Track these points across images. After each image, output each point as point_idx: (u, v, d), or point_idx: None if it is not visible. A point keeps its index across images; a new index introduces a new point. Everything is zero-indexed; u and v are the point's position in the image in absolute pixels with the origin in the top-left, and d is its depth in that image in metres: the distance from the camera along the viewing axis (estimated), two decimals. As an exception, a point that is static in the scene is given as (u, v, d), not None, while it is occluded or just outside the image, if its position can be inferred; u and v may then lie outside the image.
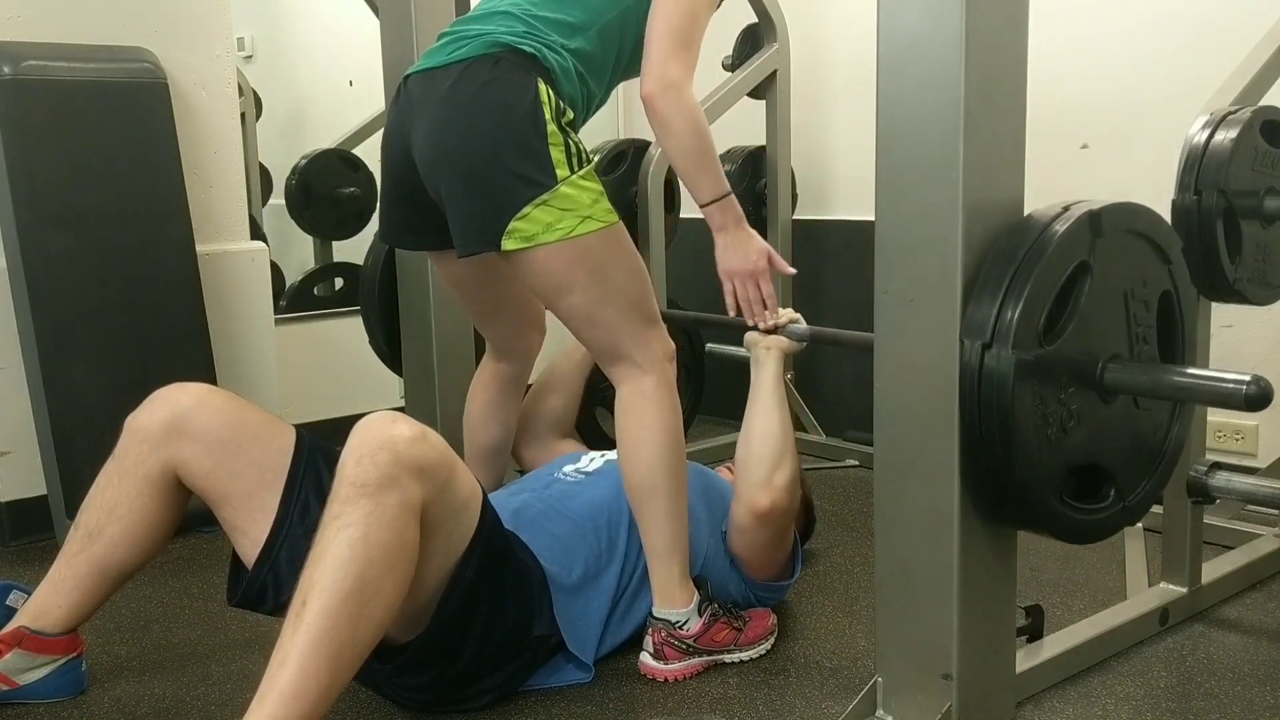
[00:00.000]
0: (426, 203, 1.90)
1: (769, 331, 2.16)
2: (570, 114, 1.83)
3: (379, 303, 2.82)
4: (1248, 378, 1.46)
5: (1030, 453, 1.50)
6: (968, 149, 1.49)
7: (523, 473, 2.34)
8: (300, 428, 1.83)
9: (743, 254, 1.97)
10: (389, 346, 2.85)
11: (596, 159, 1.86)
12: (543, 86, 1.79)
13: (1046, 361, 1.51)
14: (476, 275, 2.10)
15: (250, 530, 1.74)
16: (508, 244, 1.78)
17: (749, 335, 2.20)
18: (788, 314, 2.18)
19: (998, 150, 1.54)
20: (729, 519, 2.05)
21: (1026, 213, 1.58)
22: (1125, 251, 1.60)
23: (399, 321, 2.75)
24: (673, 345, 1.95)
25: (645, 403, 1.89)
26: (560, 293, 1.86)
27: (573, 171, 1.78)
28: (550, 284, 1.85)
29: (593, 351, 1.99)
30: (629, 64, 1.96)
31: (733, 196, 1.94)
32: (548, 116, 1.77)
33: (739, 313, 2.04)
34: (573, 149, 1.80)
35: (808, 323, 2.18)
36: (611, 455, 2.16)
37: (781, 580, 2.13)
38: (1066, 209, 1.55)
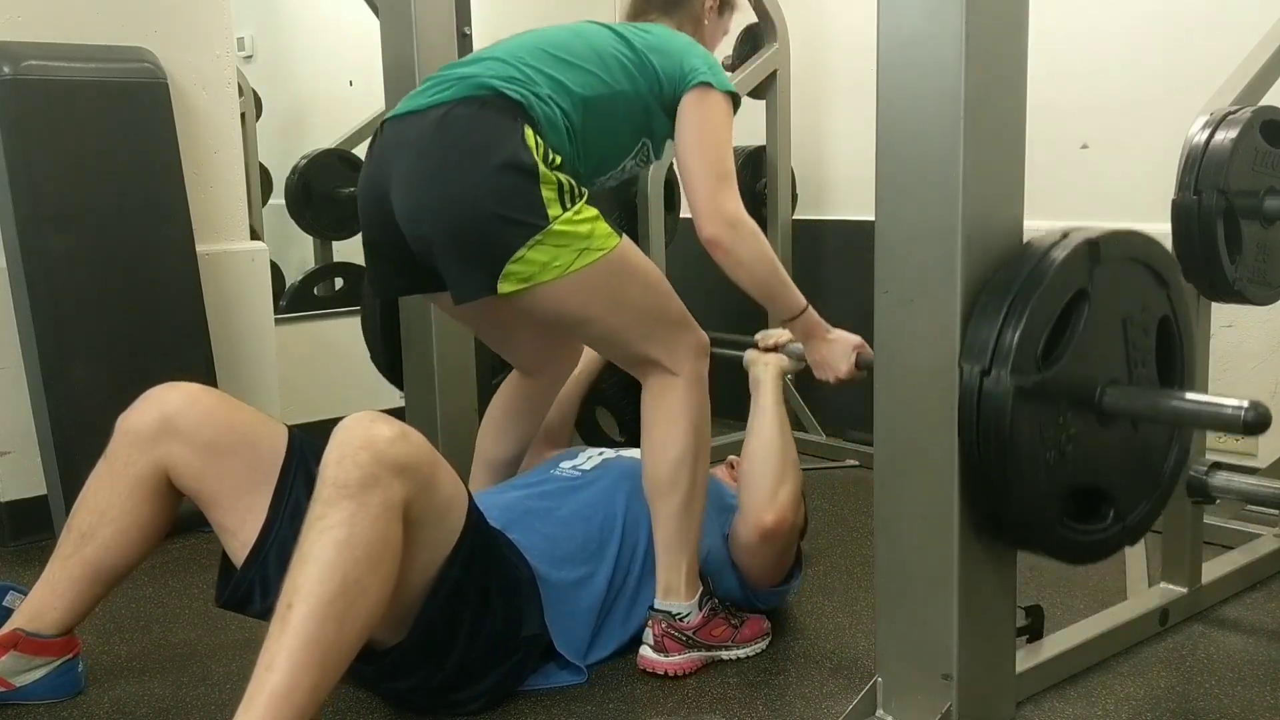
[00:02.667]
0: (409, 251, 1.84)
1: (768, 350, 2.18)
2: (558, 159, 1.77)
3: (381, 326, 2.83)
4: (1245, 404, 1.46)
5: (1029, 476, 1.51)
6: (968, 149, 1.49)
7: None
8: (298, 428, 1.82)
9: (831, 368, 2.02)
10: (392, 374, 2.86)
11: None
12: (529, 131, 1.75)
13: (1045, 386, 1.51)
14: (480, 311, 2.03)
15: (240, 532, 1.73)
16: (504, 287, 1.74)
17: (749, 353, 2.22)
18: (787, 334, 2.19)
19: (998, 150, 1.54)
20: (733, 536, 2.04)
21: (1026, 239, 1.58)
22: (1124, 278, 1.60)
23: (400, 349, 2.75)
24: (705, 339, 1.94)
25: (674, 399, 1.88)
26: (576, 326, 1.86)
27: (565, 209, 1.74)
28: (563, 320, 1.85)
29: (618, 363, 1.99)
30: (608, 152, 1.94)
31: (810, 309, 1.98)
32: (537, 157, 1.73)
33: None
34: (565, 186, 1.75)
35: None
36: (609, 453, 2.16)
37: (780, 586, 2.13)
38: (1065, 235, 1.55)
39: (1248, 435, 1.48)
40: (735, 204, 1.88)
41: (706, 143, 1.89)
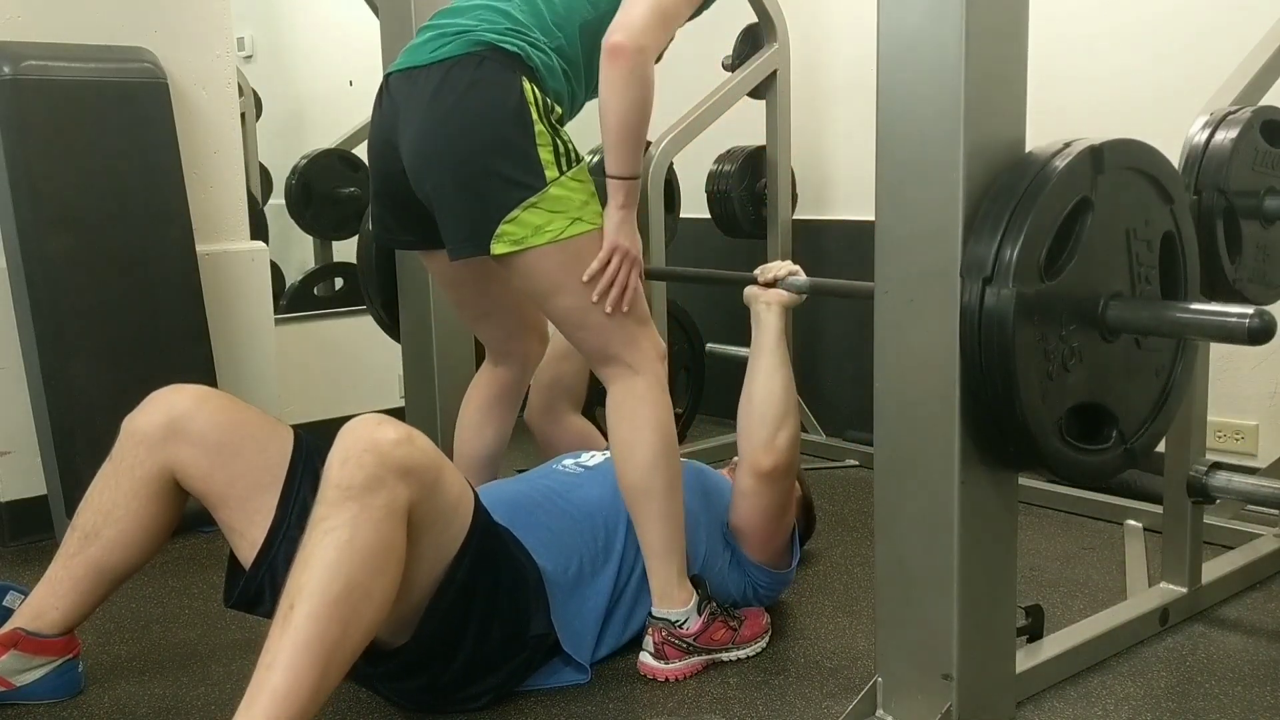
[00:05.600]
0: (417, 203, 1.89)
1: (768, 285, 2.13)
2: (559, 110, 1.81)
3: (376, 273, 2.79)
4: (1250, 310, 1.45)
5: (1031, 389, 1.49)
6: (967, 150, 1.49)
7: (520, 471, 2.34)
8: (299, 428, 1.83)
9: (632, 236, 1.89)
10: (388, 313, 2.82)
11: (590, 159, 1.84)
12: (528, 85, 1.78)
13: (1047, 297, 1.49)
14: (470, 276, 2.08)
15: (248, 532, 1.74)
16: (497, 248, 1.78)
17: (748, 290, 2.16)
18: (786, 266, 2.14)
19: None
20: (734, 486, 2.07)
21: (1027, 150, 1.57)
22: (1127, 189, 1.59)
23: (396, 290, 2.71)
24: (663, 345, 1.95)
25: (637, 403, 1.88)
26: (549, 296, 1.86)
27: (562, 172, 1.78)
28: (539, 287, 1.85)
29: (582, 353, 1.98)
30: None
31: (639, 180, 1.88)
32: (534, 116, 1.76)
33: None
34: (561, 148, 1.79)
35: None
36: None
37: (779, 568, 2.13)
38: (1067, 145, 1.54)
39: (1252, 344, 1.45)
40: (656, 43, 1.77)
41: None
